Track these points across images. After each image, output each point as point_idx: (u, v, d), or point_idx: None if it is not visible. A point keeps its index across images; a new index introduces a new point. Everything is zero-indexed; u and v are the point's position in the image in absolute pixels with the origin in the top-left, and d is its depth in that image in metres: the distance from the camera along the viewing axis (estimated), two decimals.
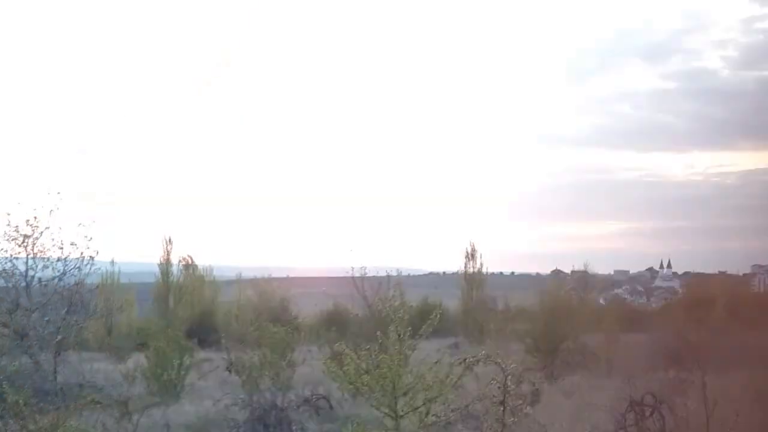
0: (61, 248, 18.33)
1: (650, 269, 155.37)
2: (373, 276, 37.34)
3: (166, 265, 45.19)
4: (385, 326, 8.57)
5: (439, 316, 8.71)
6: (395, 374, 8.13)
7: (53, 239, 18.30)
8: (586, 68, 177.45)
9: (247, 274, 53.92)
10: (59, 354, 17.62)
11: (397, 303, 8.52)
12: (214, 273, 47.84)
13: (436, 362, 8.33)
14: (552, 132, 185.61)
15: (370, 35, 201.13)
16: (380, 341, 8.45)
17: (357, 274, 37.38)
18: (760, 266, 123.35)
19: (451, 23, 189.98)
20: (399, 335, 8.25)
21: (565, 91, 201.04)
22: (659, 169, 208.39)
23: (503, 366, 7.63)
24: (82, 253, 18.36)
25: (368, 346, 8.44)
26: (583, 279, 58.80)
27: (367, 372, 8.27)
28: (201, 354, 24.92)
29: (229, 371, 19.88)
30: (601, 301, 59.77)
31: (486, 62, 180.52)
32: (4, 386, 11.66)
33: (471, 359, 7.83)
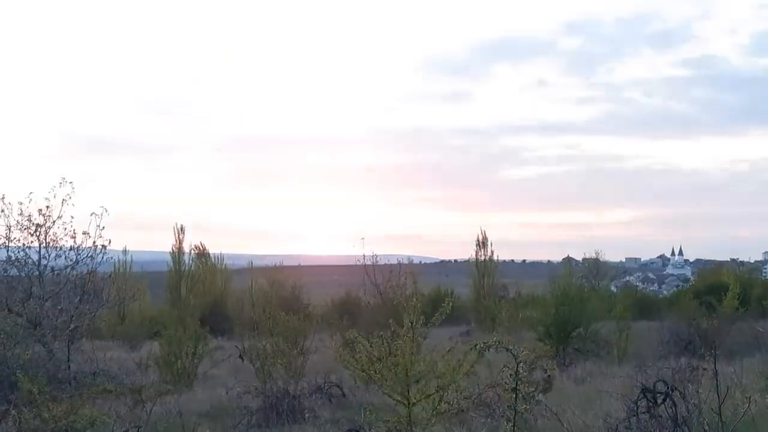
0: (74, 237, 18.42)
1: (662, 256, 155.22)
2: (384, 264, 37.42)
3: (178, 254, 45.35)
4: (397, 314, 8.59)
5: (451, 304, 8.71)
6: (408, 361, 8.15)
7: (66, 228, 18.41)
8: (598, 55, 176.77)
9: (258, 263, 54.08)
10: (72, 342, 17.72)
11: (409, 291, 8.54)
12: (226, 261, 47.99)
13: (449, 350, 8.34)
14: (562, 118, 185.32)
15: None
16: (392, 329, 8.47)
17: (368, 263, 37.50)
18: None
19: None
20: (411, 323, 8.26)
21: (575, 78, 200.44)
22: (670, 157, 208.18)
23: (515, 353, 7.64)
24: (94, 242, 18.45)
25: (381, 334, 8.46)
26: (595, 266, 58.88)
27: (379, 360, 8.30)
28: (213, 342, 24.99)
29: (242, 359, 19.96)
30: (613, 288, 59.81)
31: (500, 49, 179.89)
32: (18, 374, 11.75)
33: (483, 345, 7.84)
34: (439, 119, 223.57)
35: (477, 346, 7.87)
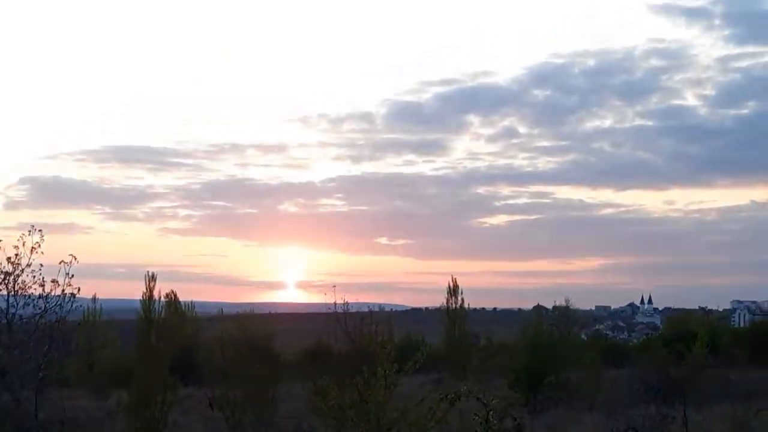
0: (43, 285, 18.29)
1: (631, 305, 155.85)
2: (356, 312, 37.34)
3: (148, 302, 45.04)
4: (369, 361, 8.64)
5: (424, 354, 8.78)
6: (380, 410, 8.18)
7: (35, 276, 18.28)
8: (566, 106, 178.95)
9: (229, 311, 53.82)
10: (41, 391, 17.53)
11: (381, 339, 8.59)
12: (196, 309, 47.72)
13: (421, 399, 8.40)
14: (530, 169, 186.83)
15: None
16: (365, 376, 8.52)
17: (339, 310, 37.39)
18: (740, 302, 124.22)
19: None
20: (384, 371, 8.32)
21: (544, 128, 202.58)
22: (638, 206, 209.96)
23: (485, 401, 7.70)
24: (63, 291, 18.32)
25: (353, 381, 8.50)
26: (565, 314, 59.04)
27: (351, 407, 8.33)
28: (183, 390, 24.80)
29: (212, 408, 19.83)
30: (583, 336, 59.97)
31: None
32: None
33: (453, 395, 7.90)
34: (411, 168, 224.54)
35: (448, 396, 7.93)
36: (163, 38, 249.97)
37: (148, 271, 45.57)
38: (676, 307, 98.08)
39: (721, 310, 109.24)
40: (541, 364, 24.02)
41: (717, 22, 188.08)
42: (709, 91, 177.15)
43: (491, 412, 7.71)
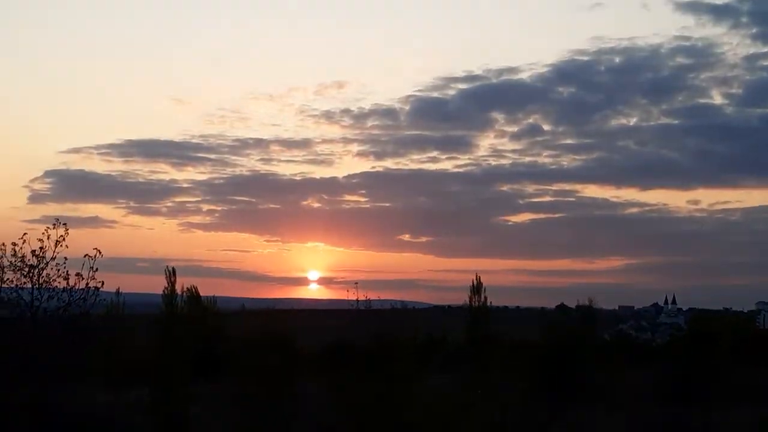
0: (67, 279, 18.40)
1: (655, 305, 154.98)
2: (378, 309, 37.30)
3: (170, 296, 45.09)
4: (391, 360, 8.59)
5: (444, 352, 8.71)
6: (401, 407, 8.14)
7: (59, 270, 18.38)
8: (591, 104, 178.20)
9: (252, 306, 53.86)
10: (63, 385, 17.63)
11: (404, 337, 8.55)
12: (218, 305, 47.75)
13: (443, 396, 8.34)
14: (554, 167, 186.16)
15: None
16: (387, 374, 8.48)
17: (362, 307, 37.35)
18: (765, 303, 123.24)
19: None
20: (406, 370, 8.27)
21: (569, 125, 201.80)
22: (663, 205, 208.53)
23: (506, 402, 7.65)
24: (87, 284, 18.43)
25: (374, 379, 8.45)
26: (588, 314, 58.70)
27: (372, 404, 8.29)
28: (205, 386, 24.86)
29: (234, 403, 19.86)
30: (606, 336, 59.66)
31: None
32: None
33: (475, 394, 7.85)
34: (435, 164, 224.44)
35: (470, 395, 7.87)
36: (187, 32, 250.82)
37: (167, 266, 45.75)
38: (700, 307, 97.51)
39: (745, 311, 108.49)
40: (564, 365, 23.88)
41: (744, 20, 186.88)
42: (736, 90, 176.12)
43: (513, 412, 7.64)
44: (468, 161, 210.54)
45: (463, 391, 8.20)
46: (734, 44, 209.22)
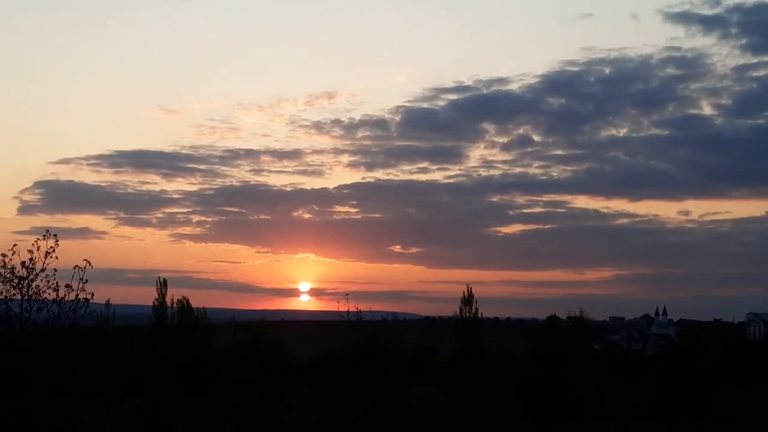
0: (56, 290, 18.30)
1: (646, 316, 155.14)
2: (368, 320, 37.23)
3: (160, 308, 44.92)
4: (381, 371, 8.59)
5: (433, 363, 8.72)
6: (391, 418, 8.14)
7: (48, 281, 18.29)
8: (581, 115, 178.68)
9: (242, 318, 53.74)
10: (51, 398, 17.53)
11: (393, 348, 8.55)
12: (209, 316, 47.60)
13: (433, 409, 8.35)
14: (544, 177, 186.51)
15: None
16: (376, 386, 8.47)
17: (352, 319, 37.26)
18: (756, 314, 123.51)
19: None
20: (396, 381, 8.28)
21: (559, 136, 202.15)
22: (654, 216, 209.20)
23: (493, 415, 7.66)
24: (77, 296, 18.33)
25: (363, 390, 8.45)
26: (579, 325, 58.72)
27: (362, 416, 8.29)
28: (195, 397, 24.79)
29: (223, 415, 19.82)
30: (597, 347, 59.66)
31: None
32: None
33: (464, 406, 7.86)
34: (425, 175, 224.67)
35: (458, 407, 7.88)
36: (177, 43, 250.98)
37: (159, 277, 45.62)
38: (690, 318, 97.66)
39: (736, 322, 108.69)
40: (553, 376, 23.86)
41: (734, 30, 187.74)
42: (726, 101, 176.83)
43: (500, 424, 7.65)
44: (458, 172, 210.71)
45: (450, 402, 8.23)
46: (724, 55, 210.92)
